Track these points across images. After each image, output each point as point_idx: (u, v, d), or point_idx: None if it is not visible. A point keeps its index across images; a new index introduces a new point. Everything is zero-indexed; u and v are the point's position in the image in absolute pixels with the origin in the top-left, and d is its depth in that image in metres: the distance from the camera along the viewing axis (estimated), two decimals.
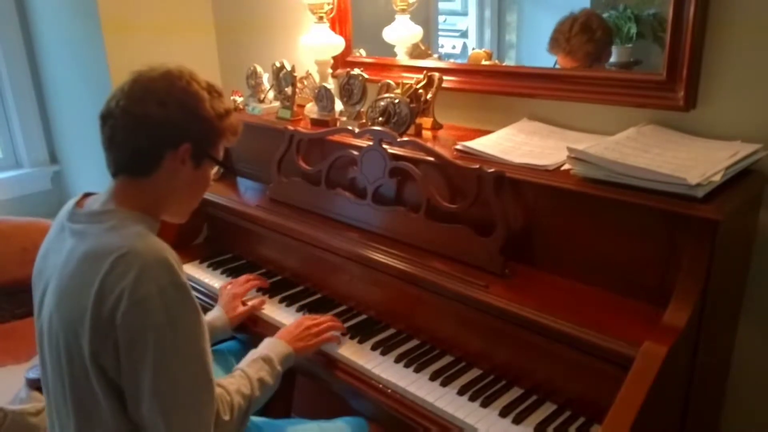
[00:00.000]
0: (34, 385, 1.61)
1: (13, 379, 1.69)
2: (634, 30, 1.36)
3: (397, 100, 1.46)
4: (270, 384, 1.15)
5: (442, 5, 1.80)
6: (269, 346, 1.22)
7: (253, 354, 1.20)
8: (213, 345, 1.49)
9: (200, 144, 1.06)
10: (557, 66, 1.47)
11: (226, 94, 1.96)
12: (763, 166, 1.17)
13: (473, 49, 1.78)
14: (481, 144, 1.35)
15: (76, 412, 1.03)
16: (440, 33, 1.79)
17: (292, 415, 1.59)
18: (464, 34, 1.74)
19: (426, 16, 1.79)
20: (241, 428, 1.10)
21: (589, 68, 1.42)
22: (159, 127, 1.02)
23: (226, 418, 1.03)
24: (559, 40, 1.45)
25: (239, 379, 1.11)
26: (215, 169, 1.14)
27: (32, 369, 1.65)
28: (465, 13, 1.74)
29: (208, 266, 1.70)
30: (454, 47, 1.75)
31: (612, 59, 1.41)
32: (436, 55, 1.76)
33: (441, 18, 1.78)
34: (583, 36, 1.41)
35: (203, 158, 1.08)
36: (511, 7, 1.66)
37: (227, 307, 1.45)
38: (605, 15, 1.41)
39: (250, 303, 1.48)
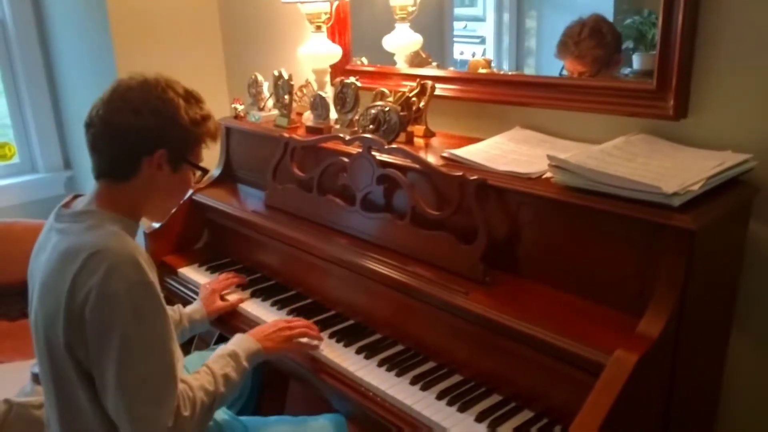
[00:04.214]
0: (39, 379, 1.66)
1: (20, 375, 1.75)
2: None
3: (387, 108, 1.49)
4: (235, 380, 1.17)
5: (459, 11, 1.80)
6: (238, 343, 1.24)
7: (221, 350, 1.22)
8: (191, 336, 1.55)
9: (177, 149, 1.11)
10: (564, 71, 1.46)
11: (230, 101, 2.01)
12: (753, 176, 1.16)
13: (473, 56, 1.80)
14: (468, 152, 1.36)
15: (58, 401, 1.09)
16: (458, 40, 1.78)
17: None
18: (483, 41, 1.73)
19: (440, 23, 1.80)
20: (204, 423, 1.12)
21: (593, 76, 1.42)
22: (134, 135, 1.07)
23: (186, 413, 1.05)
24: (567, 45, 1.44)
25: (204, 375, 1.14)
26: (197, 172, 1.18)
27: (37, 364, 1.70)
28: (483, 19, 1.73)
29: (207, 269, 1.74)
30: (474, 54, 1.74)
31: (635, 66, 1.40)
32: (435, 64, 1.78)
33: (461, 24, 1.77)
34: (592, 41, 1.40)
35: (181, 163, 1.13)
36: (530, 13, 1.65)
37: (206, 301, 1.52)
38: (628, 21, 1.40)
39: (229, 298, 1.54)
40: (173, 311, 1.46)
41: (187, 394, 1.08)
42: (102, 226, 1.06)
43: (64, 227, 1.08)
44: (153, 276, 1.04)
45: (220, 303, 1.53)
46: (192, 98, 1.13)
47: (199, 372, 1.15)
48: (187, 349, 1.71)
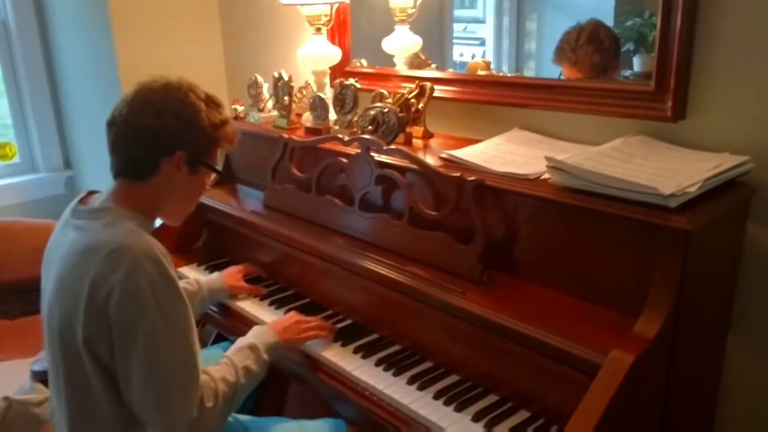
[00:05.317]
0: (39, 377, 1.67)
1: (20, 372, 1.76)
2: None
3: (386, 110, 1.49)
4: (256, 372, 1.19)
5: (459, 13, 1.80)
6: (256, 335, 1.26)
7: (240, 342, 1.24)
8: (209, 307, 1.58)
9: (195, 152, 1.13)
10: (562, 77, 1.46)
11: (230, 102, 2.03)
12: (751, 178, 1.16)
13: (472, 57, 1.80)
14: (467, 153, 1.37)
15: (70, 397, 1.10)
16: (458, 41, 1.78)
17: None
18: (483, 43, 1.73)
19: (440, 25, 1.80)
20: (226, 414, 1.14)
21: (592, 80, 1.41)
22: (154, 136, 1.09)
23: (209, 404, 1.08)
24: (564, 50, 1.44)
25: (225, 367, 1.16)
26: (212, 175, 1.21)
27: (37, 361, 1.71)
28: (483, 21, 1.73)
29: (206, 269, 1.75)
30: (473, 56, 1.74)
31: (636, 68, 1.39)
32: (434, 65, 1.78)
33: (461, 26, 1.77)
34: (589, 46, 1.40)
35: (198, 165, 1.15)
36: (531, 16, 1.64)
37: (229, 277, 1.57)
38: (629, 22, 1.39)
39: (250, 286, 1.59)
40: (189, 284, 1.50)
41: (209, 385, 1.10)
42: (119, 223, 1.07)
43: (81, 224, 1.10)
44: (172, 270, 1.06)
45: (244, 283, 1.58)
46: (212, 102, 1.15)
47: (220, 363, 1.17)
48: None
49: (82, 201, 1.16)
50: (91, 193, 1.19)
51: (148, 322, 1.01)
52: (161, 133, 1.09)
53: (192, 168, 1.14)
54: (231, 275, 1.59)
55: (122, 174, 1.13)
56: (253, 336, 1.26)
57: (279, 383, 1.64)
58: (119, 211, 1.09)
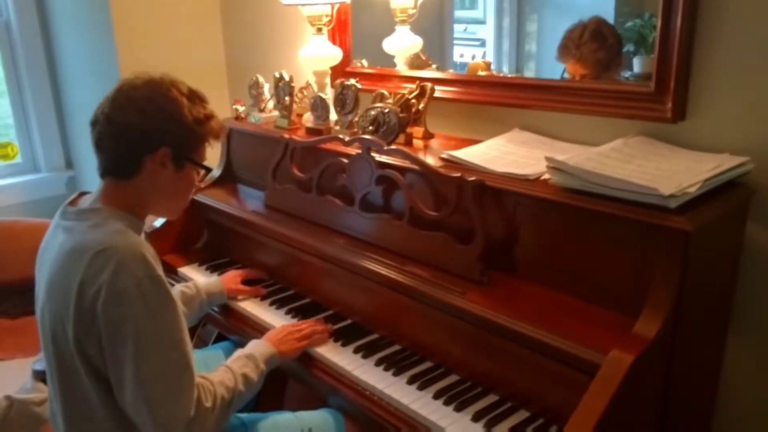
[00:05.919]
0: (40, 376, 1.68)
1: (21, 372, 1.77)
2: None
3: (386, 110, 1.50)
4: (254, 380, 1.19)
5: (460, 13, 1.80)
6: (254, 347, 1.27)
7: (238, 352, 1.25)
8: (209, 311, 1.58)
9: (180, 148, 1.12)
10: (566, 74, 1.47)
11: (231, 103, 2.02)
12: (751, 178, 1.16)
13: (473, 58, 1.81)
14: (467, 153, 1.37)
15: (65, 397, 1.10)
16: (458, 42, 1.79)
17: None
18: (483, 44, 1.74)
19: (440, 25, 1.81)
20: (223, 419, 1.13)
21: (594, 79, 1.42)
22: (137, 134, 1.08)
23: (208, 405, 1.08)
24: (569, 47, 1.45)
25: (223, 372, 1.17)
26: (201, 171, 1.20)
27: (38, 361, 1.72)
28: (483, 22, 1.74)
29: (206, 269, 1.75)
30: (474, 57, 1.74)
31: (636, 69, 1.40)
32: (435, 66, 1.78)
33: (461, 27, 1.78)
34: (593, 43, 1.41)
35: (184, 161, 1.14)
36: (531, 17, 1.65)
37: (228, 281, 1.57)
38: (629, 24, 1.40)
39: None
40: (188, 287, 1.50)
41: (207, 387, 1.10)
42: (107, 223, 1.07)
43: (70, 225, 1.10)
44: (160, 269, 1.06)
45: (242, 286, 1.58)
46: (196, 97, 1.14)
47: (218, 370, 1.17)
48: None
49: (72, 202, 1.16)
50: (83, 194, 1.19)
51: (136, 323, 1.00)
52: (144, 130, 1.08)
53: (178, 164, 1.13)
54: (230, 279, 1.58)
55: (108, 173, 1.12)
56: (250, 347, 1.26)
57: (277, 382, 1.64)
58: (107, 211, 1.09)
